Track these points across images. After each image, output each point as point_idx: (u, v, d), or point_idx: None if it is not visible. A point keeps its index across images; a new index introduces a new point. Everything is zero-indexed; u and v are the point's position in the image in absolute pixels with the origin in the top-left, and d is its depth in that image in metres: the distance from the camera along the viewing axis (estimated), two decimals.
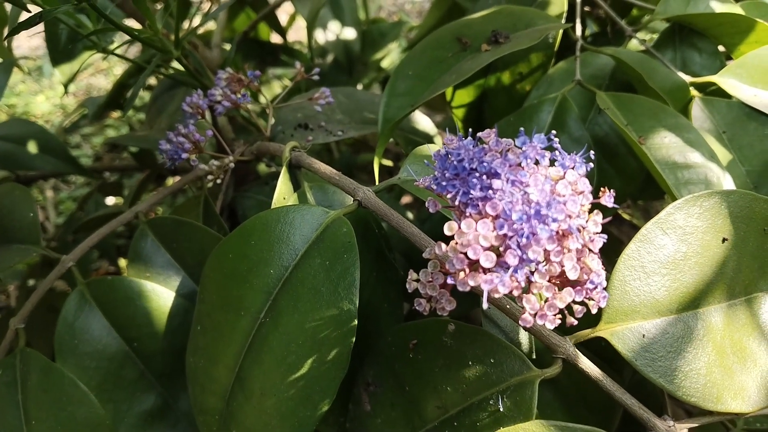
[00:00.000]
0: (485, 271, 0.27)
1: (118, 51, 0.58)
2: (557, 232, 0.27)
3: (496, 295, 0.27)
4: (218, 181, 0.54)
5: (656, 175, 0.47)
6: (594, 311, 0.30)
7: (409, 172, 0.41)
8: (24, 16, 0.48)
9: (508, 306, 0.35)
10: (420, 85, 0.53)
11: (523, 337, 0.39)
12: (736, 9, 0.58)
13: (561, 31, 0.58)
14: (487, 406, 0.36)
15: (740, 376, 0.36)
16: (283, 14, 1.23)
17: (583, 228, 0.28)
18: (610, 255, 0.36)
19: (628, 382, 0.44)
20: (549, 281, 0.29)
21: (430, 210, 0.31)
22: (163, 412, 0.49)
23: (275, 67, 1.17)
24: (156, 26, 0.51)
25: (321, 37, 1.04)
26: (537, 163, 0.29)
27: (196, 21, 0.58)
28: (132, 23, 0.70)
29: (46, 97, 1.93)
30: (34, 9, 0.48)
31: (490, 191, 0.28)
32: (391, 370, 0.41)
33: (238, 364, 0.39)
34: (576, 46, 0.59)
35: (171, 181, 1.15)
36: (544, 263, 0.28)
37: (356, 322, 0.37)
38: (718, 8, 0.59)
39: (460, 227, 0.27)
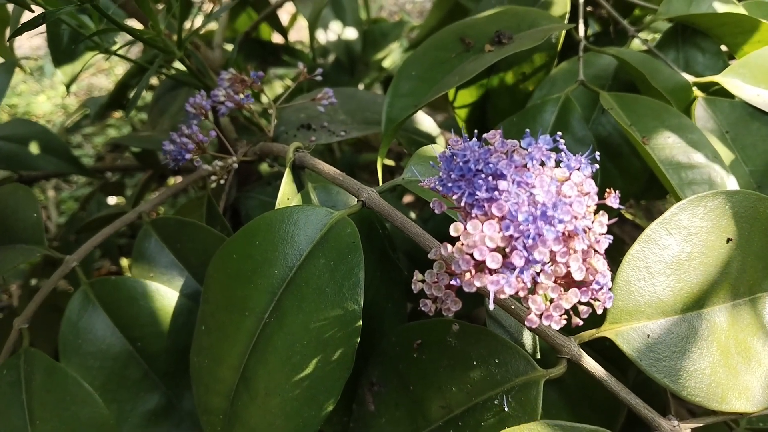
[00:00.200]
0: (491, 272, 0.27)
1: (120, 52, 0.58)
2: (563, 233, 0.27)
3: (502, 296, 0.27)
4: (221, 181, 0.54)
5: (660, 175, 0.47)
6: (599, 312, 0.30)
7: (414, 173, 0.41)
8: (26, 16, 0.48)
9: (512, 306, 0.36)
10: (423, 86, 0.53)
11: (528, 338, 0.39)
12: (739, 9, 0.58)
13: (564, 32, 0.58)
14: (492, 406, 0.36)
15: (745, 376, 0.36)
16: (284, 14, 1.23)
17: (589, 229, 0.28)
18: (612, 255, 0.36)
19: (632, 383, 0.44)
20: (555, 282, 0.29)
21: (436, 211, 0.31)
22: (167, 412, 0.49)
23: (276, 67, 1.17)
24: (159, 26, 0.51)
25: (322, 37, 1.04)
26: (542, 164, 0.29)
27: (198, 21, 0.58)
28: (134, 24, 0.70)
29: (47, 97, 1.93)
30: (37, 9, 0.48)
31: (496, 192, 0.28)
32: (395, 370, 0.41)
33: (243, 364, 0.39)
34: (579, 47, 0.59)
35: (173, 181, 1.15)
36: (550, 264, 0.28)
37: (361, 322, 0.37)
38: (721, 8, 0.59)
39: (465, 228, 0.27)
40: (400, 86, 0.53)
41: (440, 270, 0.31)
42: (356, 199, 0.42)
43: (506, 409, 0.35)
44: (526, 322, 0.29)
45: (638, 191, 0.60)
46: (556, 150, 0.30)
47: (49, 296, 0.50)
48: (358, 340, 0.37)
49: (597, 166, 0.30)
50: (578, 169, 0.29)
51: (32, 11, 0.49)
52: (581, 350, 0.36)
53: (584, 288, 0.29)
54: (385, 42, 1.08)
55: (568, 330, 0.34)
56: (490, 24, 0.55)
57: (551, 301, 0.29)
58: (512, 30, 0.53)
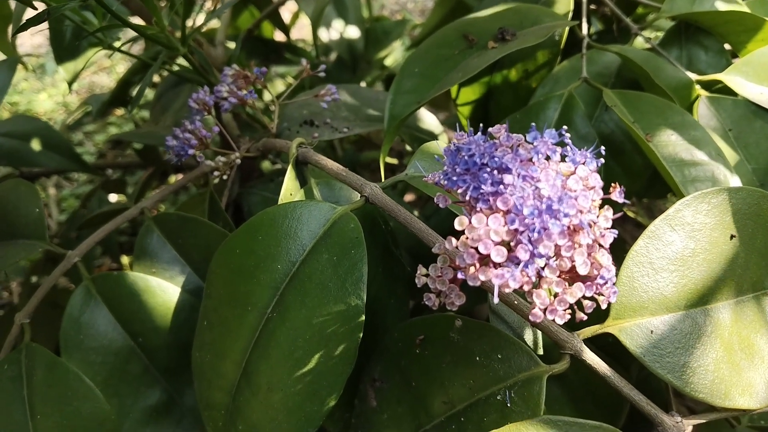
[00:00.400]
0: (496, 265, 0.27)
1: (122, 49, 0.58)
2: (568, 227, 0.27)
3: (507, 290, 0.27)
4: (224, 177, 0.54)
5: (663, 172, 0.47)
6: (604, 306, 0.30)
7: (418, 168, 0.41)
8: (28, 14, 0.48)
9: (516, 302, 0.35)
10: (426, 83, 0.53)
11: (531, 333, 0.39)
12: (743, 7, 0.58)
13: (567, 29, 0.58)
14: (495, 401, 0.36)
15: (748, 373, 0.36)
16: (286, 12, 1.23)
17: (594, 223, 0.28)
18: (614, 253, 0.36)
19: (634, 379, 0.44)
20: (559, 276, 0.28)
21: (440, 205, 0.31)
22: (169, 408, 0.49)
23: (279, 65, 1.17)
24: (162, 22, 0.51)
25: (325, 35, 1.04)
26: (548, 158, 0.29)
27: (201, 19, 0.58)
28: (137, 21, 0.70)
29: (48, 95, 1.93)
30: (40, 6, 0.48)
31: (501, 186, 0.28)
32: (397, 365, 0.41)
33: (245, 359, 0.39)
34: (582, 44, 0.59)
35: (174, 179, 1.15)
36: (555, 258, 0.28)
37: (363, 317, 0.37)
38: (724, 6, 0.59)
39: (470, 222, 0.27)
40: (402, 83, 0.53)
41: (444, 264, 0.31)
42: (359, 195, 0.41)
43: (509, 405, 0.35)
44: (530, 317, 0.29)
45: (641, 189, 0.60)
46: (562, 144, 0.30)
47: (51, 293, 0.50)
48: (361, 335, 0.37)
49: (602, 160, 0.30)
50: (583, 164, 0.29)
51: (35, 8, 0.49)
52: (584, 346, 0.36)
53: (589, 282, 0.29)
54: (387, 40, 1.08)
55: (571, 326, 0.34)
56: (493, 21, 0.55)
57: (555, 295, 0.29)
58: (515, 27, 0.53)
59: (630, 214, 0.90)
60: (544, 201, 0.27)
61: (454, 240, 0.28)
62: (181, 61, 0.65)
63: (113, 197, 1.19)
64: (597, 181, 0.29)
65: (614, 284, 0.30)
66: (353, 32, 1.04)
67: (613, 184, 0.30)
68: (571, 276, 0.29)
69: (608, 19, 0.74)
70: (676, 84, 0.54)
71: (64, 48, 0.77)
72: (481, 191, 0.28)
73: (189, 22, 0.56)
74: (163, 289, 0.50)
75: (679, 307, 0.36)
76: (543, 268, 0.28)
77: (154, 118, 0.81)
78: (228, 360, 0.40)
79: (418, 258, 0.55)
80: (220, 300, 0.41)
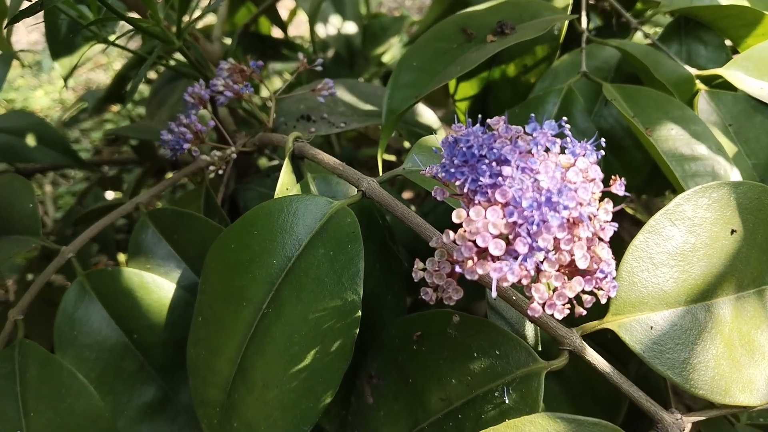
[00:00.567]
0: (494, 259, 0.27)
1: (118, 43, 0.57)
2: (568, 220, 0.27)
3: (505, 284, 0.27)
4: (220, 172, 0.53)
5: (664, 166, 0.47)
6: (603, 301, 0.30)
7: (415, 162, 0.41)
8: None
9: (514, 297, 0.35)
10: (424, 77, 0.52)
11: (529, 329, 0.39)
12: (742, 1, 0.57)
13: (566, 23, 0.57)
14: (493, 398, 0.35)
15: (748, 369, 0.36)
16: (284, 10, 1.22)
17: (594, 216, 0.28)
18: (613, 250, 0.35)
19: (633, 377, 0.44)
20: (558, 270, 0.28)
21: (438, 198, 0.30)
22: (164, 405, 0.49)
23: (276, 62, 1.16)
24: (158, 15, 0.50)
25: (322, 31, 1.04)
26: (547, 150, 0.28)
27: (197, 13, 0.58)
28: (133, 16, 0.69)
29: (45, 92, 1.92)
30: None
31: (500, 178, 0.27)
32: (394, 362, 0.41)
33: (240, 356, 0.39)
34: (582, 38, 0.58)
35: (171, 175, 1.15)
36: (554, 252, 0.28)
37: (360, 313, 0.36)
38: (724, 0, 0.58)
39: (468, 215, 0.27)
40: (400, 77, 0.52)
41: (442, 258, 0.30)
42: (356, 190, 0.41)
43: (507, 402, 0.35)
44: (528, 311, 0.28)
45: (640, 185, 0.60)
46: (561, 136, 0.29)
47: (47, 292, 0.49)
48: (357, 331, 0.36)
49: (602, 152, 0.30)
50: (583, 156, 0.29)
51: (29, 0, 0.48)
52: (583, 342, 0.35)
53: (588, 277, 0.29)
54: (385, 36, 1.08)
55: (570, 322, 0.34)
56: (491, 14, 0.54)
57: (554, 290, 0.28)
58: (514, 21, 0.53)
59: (629, 210, 0.90)
60: (544, 193, 0.26)
61: (451, 233, 0.28)
62: (178, 56, 0.65)
63: (110, 194, 1.18)
64: (597, 173, 0.28)
65: (614, 278, 0.29)
66: (351, 28, 1.04)
67: (613, 177, 0.30)
68: (571, 270, 0.29)
69: (607, 15, 0.74)
70: (676, 79, 0.54)
71: (60, 42, 0.76)
72: (480, 183, 0.27)
73: (185, 18, 0.55)
74: (158, 286, 0.49)
75: (679, 303, 0.36)
76: (542, 262, 0.27)
77: (150, 113, 0.81)
78: (223, 356, 0.40)
79: (415, 254, 0.55)
80: (214, 295, 0.41)
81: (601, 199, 0.29)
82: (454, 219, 0.27)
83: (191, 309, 0.45)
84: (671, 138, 0.47)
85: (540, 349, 0.38)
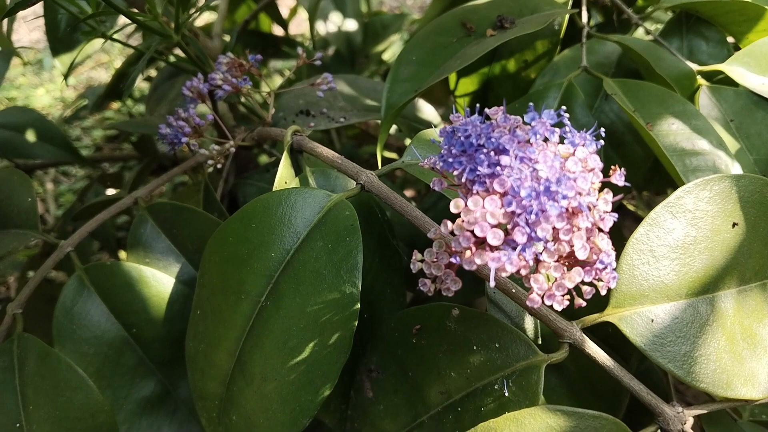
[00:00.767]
0: (492, 249, 0.27)
1: (117, 38, 0.57)
2: (567, 210, 0.27)
3: (504, 274, 0.26)
4: (218, 166, 0.53)
5: (665, 161, 0.46)
6: (603, 292, 0.30)
7: (414, 155, 0.40)
8: (24, 14, 0.47)
9: (513, 290, 0.35)
10: (424, 71, 0.52)
11: (529, 322, 0.39)
12: None
13: (567, 18, 0.57)
14: (492, 391, 0.35)
15: (750, 363, 0.35)
16: (284, 9, 1.22)
17: (593, 206, 0.28)
18: (614, 246, 0.35)
19: (634, 372, 0.43)
20: (557, 261, 0.28)
21: (436, 189, 0.30)
22: (163, 399, 0.49)
23: (276, 59, 1.16)
24: (156, 9, 0.50)
25: (322, 28, 1.04)
26: (546, 140, 0.28)
27: (196, 9, 0.57)
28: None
29: (46, 90, 1.92)
30: None
31: (498, 168, 0.27)
32: (393, 355, 0.40)
33: (239, 349, 0.39)
34: (582, 33, 0.58)
35: None
36: (553, 242, 0.27)
37: (359, 305, 0.36)
38: None
39: (466, 205, 0.27)
40: (400, 71, 0.52)
41: (440, 249, 0.30)
42: (355, 183, 0.41)
43: (506, 394, 0.35)
44: (527, 302, 0.28)
45: (641, 180, 0.59)
46: (560, 126, 0.29)
47: (47, 288, 0.49)
48: (356, 323, 0.36)
49: (602, 142, 0.29)
50: (583, 145, 0.28)
51: None
52: (583, 335, 0.35)
53: (588, 267, 0.28)
54: (385, 34, 1.07)
55: (570, 315, 0.33)
56: (491, 9, 0.54)
57: (554, 280, 0.28)
58: (514, 15, 0.53)
59: (630, 207, 0.90)
60: (542, 183, 0.26)
61: (449, 223, 0.27)
62: (178, 53, 0.65)
63: (110, 191, 1.18)
64: (596, 162, 0.28)
65: (614, 269, 0.29)
66: (351, 25, 1.04)
67: (613, 167, 0.29)
68: (570, 261, 0.28)
69: (608, 11, 0.74)
70: (678, 74, 0.54)
71: (60, 39, 0.76)
72: (478, 173, 0.27)
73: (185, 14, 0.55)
74: (157, 280, 0.49)
75: (680, 296, 0.36)
76: (541, 252, 0.27)
77: (150, 109, 0.81)
78: (221, 349, 0.40)
79: (415, 248, 0.55)
80: (213, 289, 0.41)
81: (600, 190, 0.29)
82: (452, 209, 0.27)
83: (190, 303, 0.45)
84: (672, 132, 0.47)
85: (540, 342, 0.38)
